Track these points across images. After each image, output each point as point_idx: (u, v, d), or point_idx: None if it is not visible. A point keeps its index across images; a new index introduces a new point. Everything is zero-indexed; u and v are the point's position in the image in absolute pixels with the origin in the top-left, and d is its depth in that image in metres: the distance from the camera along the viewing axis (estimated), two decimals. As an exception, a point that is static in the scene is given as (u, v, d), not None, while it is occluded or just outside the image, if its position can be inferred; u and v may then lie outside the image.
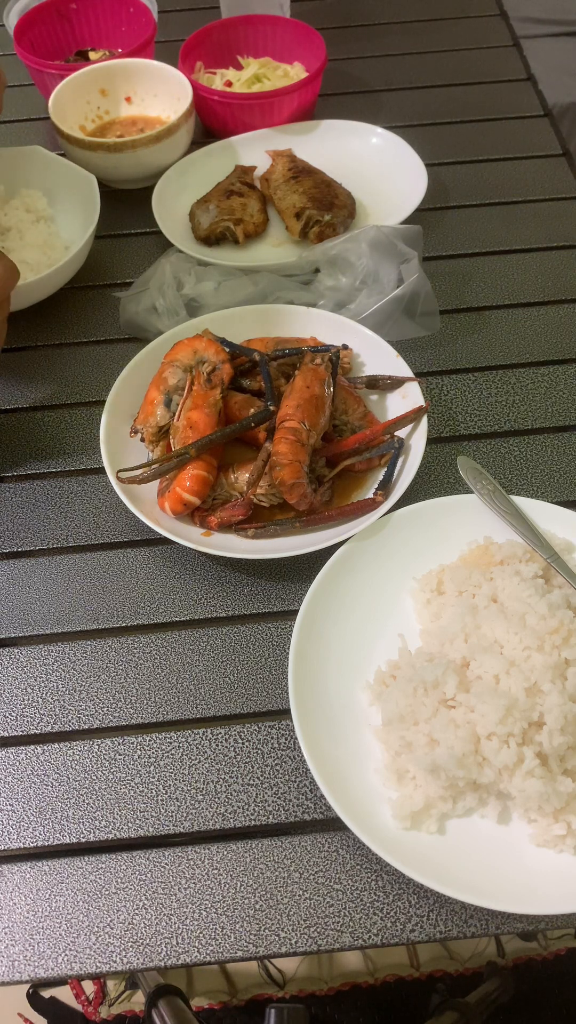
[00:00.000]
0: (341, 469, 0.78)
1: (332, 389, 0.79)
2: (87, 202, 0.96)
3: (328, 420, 0.78)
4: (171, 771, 0.66)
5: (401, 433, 0.79)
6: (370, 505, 0.74)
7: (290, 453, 0.74)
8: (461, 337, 0.93)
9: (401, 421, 0.79)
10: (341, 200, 1.01)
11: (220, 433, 0.76)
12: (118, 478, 0.75)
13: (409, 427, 0.79)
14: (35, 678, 0.71)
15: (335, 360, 0.80)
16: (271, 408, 0.77)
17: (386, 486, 0.75)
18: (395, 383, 0.83)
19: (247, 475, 0.76)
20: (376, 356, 0.85)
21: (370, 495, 0.75)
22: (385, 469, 0.76)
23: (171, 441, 0.78)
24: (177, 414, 0.78)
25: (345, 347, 0.85)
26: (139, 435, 0.79)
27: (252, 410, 0.79)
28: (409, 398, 0.82)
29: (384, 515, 0.73)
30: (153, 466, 0.74)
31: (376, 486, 0.75)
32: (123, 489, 0.75)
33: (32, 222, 0.98)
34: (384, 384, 0.83)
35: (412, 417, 0.78)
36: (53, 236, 0.98)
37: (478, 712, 0.60)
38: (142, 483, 0.75)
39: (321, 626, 0.69)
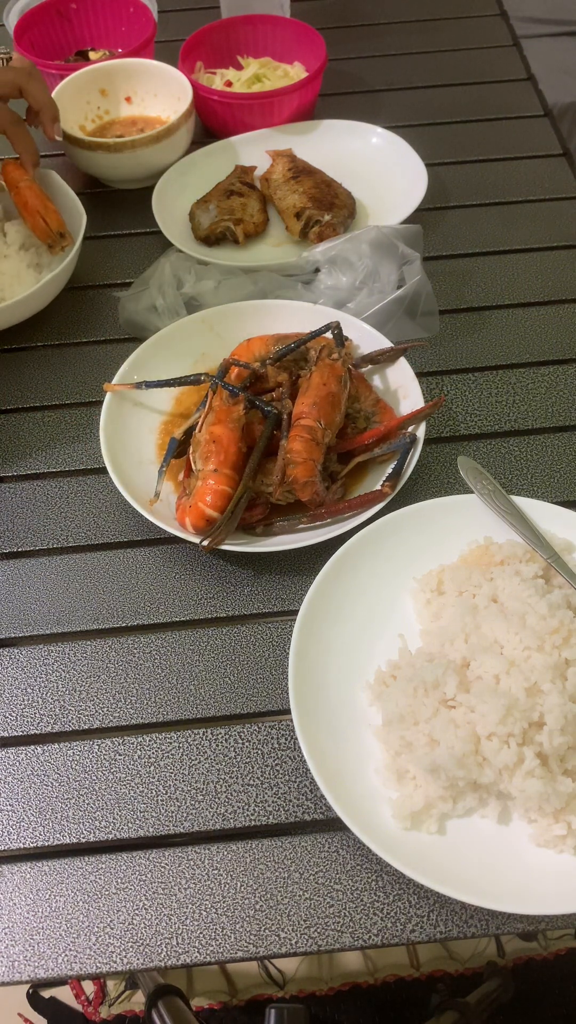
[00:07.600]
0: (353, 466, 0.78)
1: (348, 386, 0.78)
2: (71, 212, 0.95)
3: (343, 416, 0.78)
4: (171, 771, 0.66)
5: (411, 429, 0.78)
6: (378, 497, 0.74)
7: (304, 451, 0.74)
8: (461, 337, 0.93)
9: (417, 416, 0.78)
10: (341, 200, 1.01)
11: (258, 450, 0.74)
12: (204, 548, 0.72)
13: (423, 424, 0.78)
14: (35, 678, 0.71)
15: (339, 334, 0.81)
16: (272, 412, 0.76)
17: (395, 478, 0.75)
18: (395, 353, 0.83)
19: (261, 476, 0.76)
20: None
21: (373, 488, 0.75)
22: (393, 463, 0.76)
23: (191, 455, 0.76)
24: (199, 426, 0.77)
25: (338, 325, 0.83)
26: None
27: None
28: (410, 399, 0.81)
29: (384, 515, 0.73)
30: (227, 520, 0.71)
31: (384, 478, 0.75)
32: (125, 488, 0.75)
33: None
34: (381, 357, 0.83)
35: (428, 411, 0.78)
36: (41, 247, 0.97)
37: (478, 712, 0.60)
38: (225, 540, 0.72)
39: (321, 626, 0.69)
